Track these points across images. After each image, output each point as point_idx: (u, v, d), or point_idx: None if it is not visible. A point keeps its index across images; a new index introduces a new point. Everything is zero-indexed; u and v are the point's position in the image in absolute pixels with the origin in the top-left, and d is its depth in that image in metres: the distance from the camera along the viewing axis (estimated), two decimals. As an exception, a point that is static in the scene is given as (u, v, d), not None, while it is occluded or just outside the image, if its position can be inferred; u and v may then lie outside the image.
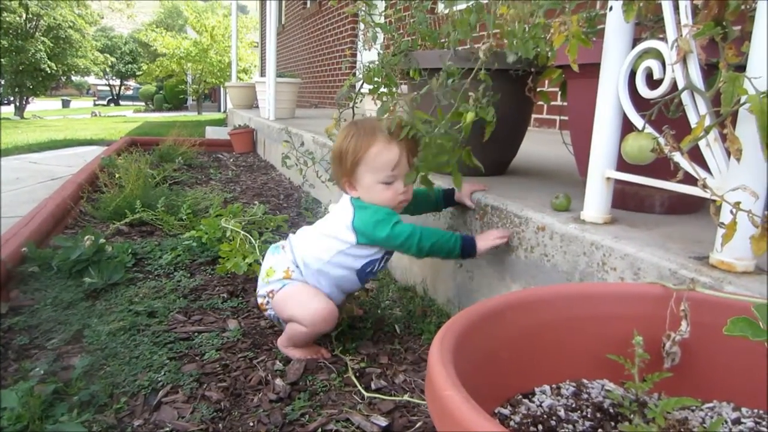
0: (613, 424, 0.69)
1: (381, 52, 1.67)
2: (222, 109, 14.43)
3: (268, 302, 1.38)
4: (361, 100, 1.75)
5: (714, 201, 0.84)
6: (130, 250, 2.03)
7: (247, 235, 2.00)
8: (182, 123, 8.75)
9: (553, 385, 0.78)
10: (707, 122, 0.86)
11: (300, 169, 2.10)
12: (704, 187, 0.86)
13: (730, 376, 0.75)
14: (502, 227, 1.34)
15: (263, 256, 1.50)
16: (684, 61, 0.92)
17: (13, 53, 15.44)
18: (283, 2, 12.15)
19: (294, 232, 1.47)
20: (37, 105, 22.01)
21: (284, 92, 5.11)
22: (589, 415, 0.71)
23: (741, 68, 0.83)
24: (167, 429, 1.06)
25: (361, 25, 1.90)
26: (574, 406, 0.73)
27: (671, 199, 1.25)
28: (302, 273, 1.35)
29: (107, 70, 26.67)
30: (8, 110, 17.68)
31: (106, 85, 33.98)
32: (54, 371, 1.25)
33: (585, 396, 0.75)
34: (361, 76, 1.63)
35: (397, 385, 1.23)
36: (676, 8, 0.93)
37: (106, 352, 1.35)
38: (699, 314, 0.73)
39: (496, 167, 1.80)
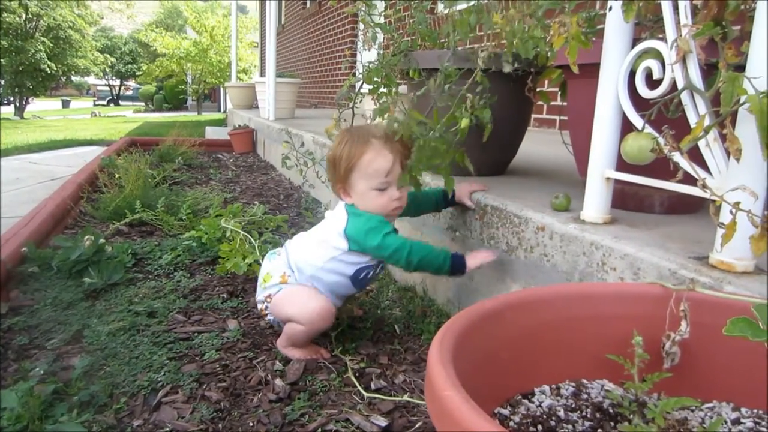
0: (612, 424, 0.69)
1: (381, 52, 1.68)
2: (222, 110, 14.43)
3: (266, 306, 1.40)
4: (360, 101, 1.75)
5: (713, 201, 0.84)
6: (129, 251, 2.03)
7: (247, 235, 2.00)
8: (182, 123, 8.75)
9: (553, 386, 0.77)
10: (707, 122, 0.86)
11: (300, 169, 2.10)
12: (704, 187, 0.86)
13: (729, 376, 0.75)
14: (502, 227, 1.34)
15: (263, 257, 1.50)
16: (683, 61, 0.92)
17: (13, 53, 15.44)
18: (283, 2, 12.15)
19: (292, 235, 1.47)
20: (36, 105, 22.01)
21: (284, 92, 5.11)
22: (588, 416, 0.71)
23: (740, 68, 0.83)
24: (167, 429, 1.06)
25: (361, 26, 1.90)
26: (573, 406, 0.73)
27: (671, 199, 1.25)
28: (297, 279, 1.36)
29: (107, 70, 26.66)
30: (8, 110, 17.68)
31: (105, 85, 33.97)
32: (54, 371, 1.25)
33: (584, 396, 0.75)
34: (360, 76, 1.63)
35: (396, 385, 1.23)
36: (676, 8, 0.93)
37: (106, 352, 1.35)
38: (699, 314, 0.73)
39: (495, 167, 1.80)
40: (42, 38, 16.20)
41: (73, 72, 19.44)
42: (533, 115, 4.08)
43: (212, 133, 6.97)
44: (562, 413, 0.71)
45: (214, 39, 14.16)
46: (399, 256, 1.26)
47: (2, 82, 16.31)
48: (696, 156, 0.89)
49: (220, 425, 1.08)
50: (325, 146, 2.94)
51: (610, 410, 0.72)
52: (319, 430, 1.06)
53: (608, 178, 1.12)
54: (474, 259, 1.28)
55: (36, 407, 1.05)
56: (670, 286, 0.77)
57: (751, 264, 0.86)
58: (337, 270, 1.33)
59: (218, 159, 5.10)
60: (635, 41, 1.05)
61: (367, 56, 1.85)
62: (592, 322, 0.79)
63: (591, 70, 1.14)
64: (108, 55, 24.30)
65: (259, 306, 1.43)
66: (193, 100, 18.62)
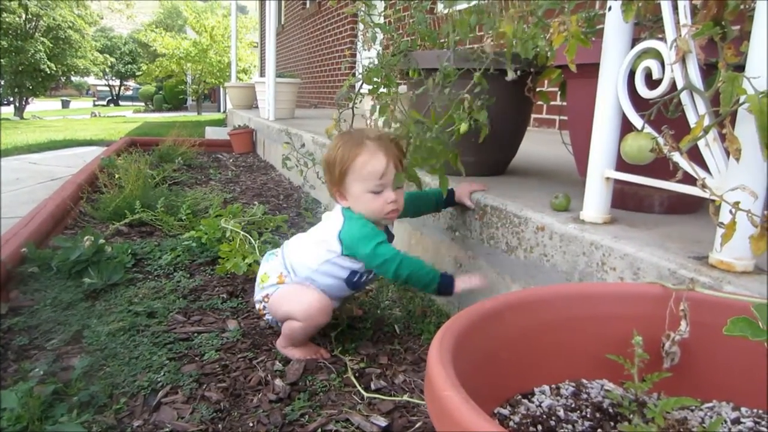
0: (612, 424, 0.69)
1: (380, 52, 1.67)
2: (222, 110, 14.43)
3: (264, 306, 1.40)
4: (360, 101, 1.75)
5: (713, 201, 0.84)
6: (129, 251, 2.03)
7: (247, 235, 2.00)
8: (182, 123, 8.75)
9: (553, 386, 0.77)
10: (706, 122, 0.86)
11: (300, 170, 2.10)
12: (703, 186, 0.86)
13: (729, 375, 0.75)
14: (502, 227, 1.34)
15: (263, 257, 1.50)
16: (683, 60, 0.92)
17: (13, 54, 15.44)
18: (283, 2, 12.15)
19: (292, 236, 1.48)
20: (36, 105, 22.01)
21: (284, 92, 5.11)
22: (588, 415, 0.71)
23: (740, 68, 0.84)
24: (167, 429, 1.06)
25: (361, 26, 1.90)
26: (573, 406, 0.73)
27: (670, 199, 1.25)
28: (293, 280, 1.36)
29: (107, 70, 26.64)
30: (8, 111, 17.68)
31: (105, 85, 33.96)
32: (53, 372, 1.25)
33: (584, 396, 0.75)
34: (360, 76, 1.63)
35: (396, 385, 1.23)
36: (675, 8, 0.93)
37: (106, 352, 1.35)
38: (698, 314, 0.73)
39: (495, 167, 1.80)
40: (42, 38, 16.19)
41: (72, 72, 19.44)
42: (533, 115, 4.08)
43: (212, 133, 6.97)
44: (561, 413, 0.71)
45: (214, 39, 14.16)
46: (388, 267, 1.25)
47: (2, 83, 16.30)
48: (696, 156, 0.89)
49: (219, 425, 1.08)
50: (324, 146, 2.94)
51: (610, 410, 0.72)
52: (319, 430, 1.06)
53: (608, 178, 1.12)
54: (463, 282, 1.26)
55: (36, 408, 1.05)
56: (669, 286, 0.77)
57: (751, 264, 0.86)
58: (331, 273, 1.33)
59: (218, 159, 5.10)
60: (635, 41, 1.05)
61: (367, 56, 1.85)
62: (592, 322, 0.79)
63: (590, 70, 1.14)
64: (108, 56, 24.30)
65: (257, 306, 1.44)
66: (192, 100, 18.61)
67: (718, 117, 0.83)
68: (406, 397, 1.17)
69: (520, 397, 0.75)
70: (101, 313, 1.58)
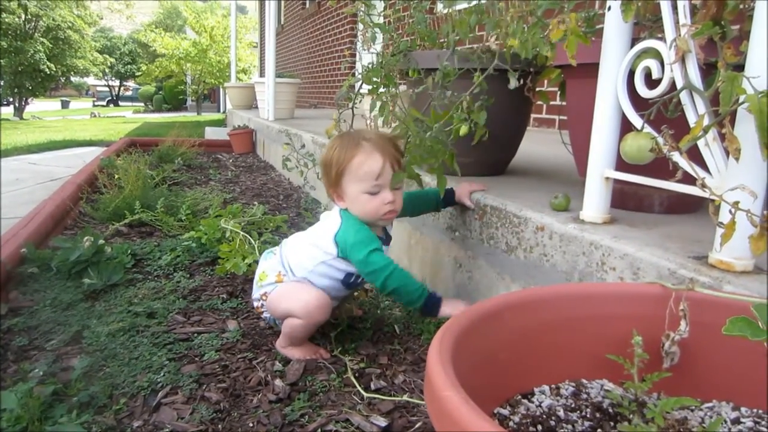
0: (612, 424, 0.69)
1: (380, 52, 1.67)
2: (221, 110, 14.42)
3: (262, 305, 1.40)
4: (360, 101, 1.75)
5: (713, 200, 0.84)
6: (129, 251, 2.03)
7: (247, 235, 2.00)
8: (181, 123, 8.75)
9: (553, 386, 0.77)
10: (706, 122, 0.86)
11: (301, 171, 2.10)
12: (703, 186, 0.86)
13: (729, 375, 0.75)
14: (501, 227, 1.34)
15: (261, 256, 1.51)
16: (683, 60, 0.92)
17: (12, 54, 15.43)
18: (282, 2, 12.15)
19: (289, 235, 1.48)
20: (36, 106, 22.00)
21: (283, 92, 5.11)
22: (588, 415, 0.71)
23: (739, 68, 0.83)
24: (167, 430, 1.06)
25: (360, 26, 1.90)
26: (573, 406, 0.73)
27: (670, 198, 1.25)
28: (290, 279, 1.36)
29: (106, 70, 26.64)
30: (7, 111, 17.68)
31: (105, 85, 33.95)
32: (53, 372, 1.25)
33: (584, 396, 0.75)
34: (360, 76, 1.63)
35: (396, 385, 1.23)
36: (675, 8, 0.93)
37: (106, 353, 1.35)
38: (698, 314, 0.73)
39: (495, 167, 1.80)
40: (41, 39, 16.19)
41: (72, 72, 19.44)
42: (533, 115, 4.08)
43: (212, 133, 6.97)
44: (561, 413, 0.71)
45: (214, 39, 14.16)
46: (377, 276, 1.25)
47: (2, 83, 16.30)
48: (695, 156, 0.89)
49: (219, 426, 1.08)
50: (324, 146, 2.94)
51: (610, 410, 0.72)
52: (319, 430, 1.06)
53: (607, 178, 1.12)
54: (449, 307, 1.25)
55: (35, 408, 1.05)
56: (669, 286, 0.77)
57: (751, 263, 0.86)
58: (326, 274, 1.33)
59: (218, 159, 5.10)
60: (634, 41, 1.05)
61: (367, 56, 1.85)
62: (592, 322, 0.79)
63: (590, 70, 1.14)
64: (107, 56, 24.31)
65: (255, 304, 1.44)
66: (192, 100, 18.61)
67: (718, 117, 0.83)
68: (406, 397, 1.17)
69: (519, 397, 0.75)
70: (101, 314, 1.58)
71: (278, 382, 1.23)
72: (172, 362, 1.31)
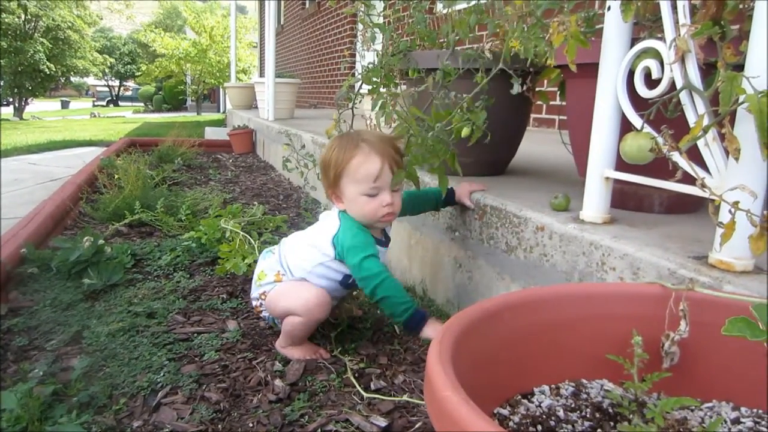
0: (612, 424, 0.69)
1: (380, 52, 1.68)
2: (221, 110, 14.43)
3: (261, 304, 1.41)
4: (360, 101, 1.75)
5: (713, 200, 0.84)
6: (129, 251, 2.03)
7: (247, 235, 2.00)
8: (181, 124, 8.76)
9: (553, 386, 0.77)
10: (705, 122, 0.86)
11: (301, 171, 2.10)
12: (703, 186, 0.86)
13: (729, 375, 0.75)
14: (501, 227, 1.34)
15: (260, 255, 1.51)
16: (682, 60, 0.92)
17: (12, 54, 15.43)
18: (282, 3, 12.15)
19: (289, 235, 1.48)
20: (36, 106, 22.00)
21: (283, 93, 5.11)
22: (588, 415, 0.71)
23: (739, 67, 0.83)
24: (166, 430, 1.06)
25: (360, 26, 1.90)
26: (573, 406, 0.73)
27: (670, 198, 1.25)
28: (289, 279, 1.36)
29: (106, 71, 26.64)
30: (7, 111, 17.68)
31: (105, 86, 33.96)
32: (53, 372, 1.24)
33: (584, 396, 0.75)
34: (360, 76, 1.63)
35: (396, 385, 1.23)
36: (675, 8, 0.93)
37: (106, 353, 1.34)
38: (698, 314, 0.73)
39: (495, 167, 1.80)
40: (41, 39, 16.19)
41: (72, 73, 19.43)
42: (533, 115, 4.08)
43: (211, 133, 6.97)
44: (561, 413, 0.71)
45: (213, 39, 14.16)
46: (368, 283, 1.25)
47: (2, 83, 16.30)
48: (695, 155, 0.89)
49: (219, 426, 1.08)
50: (324, 147, 2.94)
51: (610, 410, 0.72)
52: (319, 430, 1.06)
53: (607, 178, 1.12)
54: (432, 329, 1.23)
55: (35, 408, 1.05)
56: (669, 286, 0.77)
57: (750, 263, 0.86)
58: (324, 275, 1.34)
59: (217, 159, 5.10)
60: (634, 41, 1.05)
61: (367, 56, 1.85)
62: (592, 322, 0.79)
63: (590, 70, 1.14)
64: (107, 56, 24.30)
65: (254, 303, 1.44)
66: (192, 100, 18.60)
67: (718, 116, 0.83)
68: (405, 398, 1.17)
69: (519, 397, 0.75)
70: (101, 314, 1.58)
71: (278, 382, 1.23)
72: (171, 362, 1.31)
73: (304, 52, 10.43)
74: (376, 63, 1.62)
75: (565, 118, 1.46)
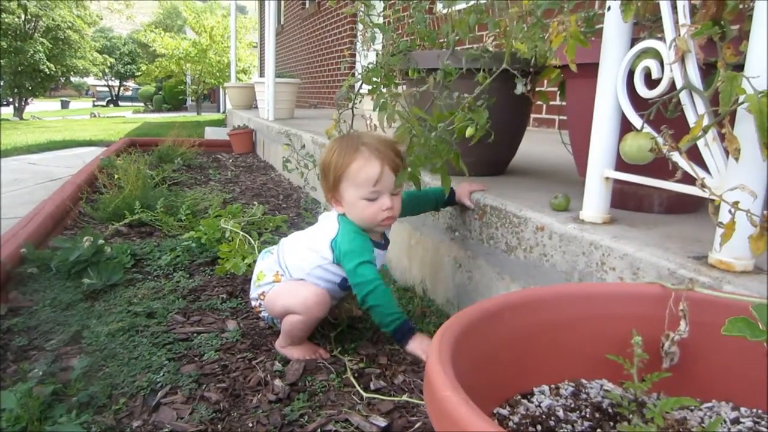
0: (611, 424, 0.69)
1: (380, 52, 1.68)
2: (221, 110, 14.43)
3: (260, 304, 1.41)
4: (360, 101, 1.75)
5: (713, 200, 0.84)
6: (129, 251, 2.03)
7: (247, 235, 2.00)
8: (181, 124, 8.76)
9: (552, 386, 0.77)
10: (705, 122, 0.86)
11: (301, 172, 2.10)
12: (703, 186, 0.86)
13: (728, 375, 0.75)
14: (501, 227, 1.34)
15: (259, 255, 1.51)
16: (682, 60, 0.92)
17: (12, 54, 15.43)
18: (282, 3, 12.15)
19: (288, 235, 1.48)
20: (36, 106, 22.00)
21: (283, 93, 5.11)
22: (587, 415, 0.71)
23: (739, 67, 0.83)
24: (166, 430, 1.06)
25: (360, 26, 1.90)
26: (572, 406, 0.73)
27: (670, 198, 1.25)
28: (287, 279, 1.37)
29: (106, 70, 26.64)
30: (7, 111, 17.68)
31: (105, 86, 33.96)
32: (53, 372, 1.24)
33: (584, 396, 0.75)
34: (360, 76, 1.63)
35: (396, 385, 1.23)
36: (674, 8, 0.93)
37: (105, 353, 1.34)
38: (698, 314, 0.73)
39: (495, 167, 1.80)
40: (41, 39, 16.18)
41: (72, 73, 19.43)
42: (533, 115, 4.08)
43: (211, 133, 6.97)
44: (561, 413, 0.71)
45: (214, 39, 14.16)
46: (360, 289, 1.26)
47: (2, 83, 16.29)
48: (695, 155, 0.89)
49: (219, 426, 1.08)
50: (324, 146, 2.94)
51: (610, 410, 0.72)
52: (319, 430, 1.06)
53: (607, 178, 1.12)
54: (417, 344, 1.24)
55: (35, 408, 1.05)
56: (669, 286, 0.77)
57: (750, 263, 0.86)
58: (323, 277, 1.34)
59: (217, 159, 5.10)
60: (634, 41, 1.05)
61: (368, 56, 1.85)
62: (592, 322, 0.79)
63: (590, 70, 1.14)
64: (107, 56, 24.30)
65: (253, 303, 1.44)
66: (192, 100, 18.60)
67: (718, 116, 0.83)
68: (405, 398, 1.17)
69: (519, 397, 0.75)
70: (100, 314, 1.58)
71: (278, 382, 1.23)
72: (171, 362, 1.31)
73: (304, 52, 10.43)
74: (376, 63, 1.62)
75: (565, 118, 1.46)
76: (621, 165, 1.08)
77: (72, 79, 23.96)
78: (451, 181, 1.36)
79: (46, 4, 16.08)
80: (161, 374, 1.25)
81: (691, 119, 0.91)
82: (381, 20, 1.73)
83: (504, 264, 1.34)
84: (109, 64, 25.22)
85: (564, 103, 1.44)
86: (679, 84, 0.92)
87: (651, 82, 0.98)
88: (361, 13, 1.71)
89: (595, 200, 1.14)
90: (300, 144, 3.38)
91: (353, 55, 7.61)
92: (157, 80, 19.80)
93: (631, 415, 0.69)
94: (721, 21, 0.97)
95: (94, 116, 17.93)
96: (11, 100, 17.19)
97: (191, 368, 1.28)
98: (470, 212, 1.48)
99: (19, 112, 16.53)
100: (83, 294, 1.71)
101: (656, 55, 0.97)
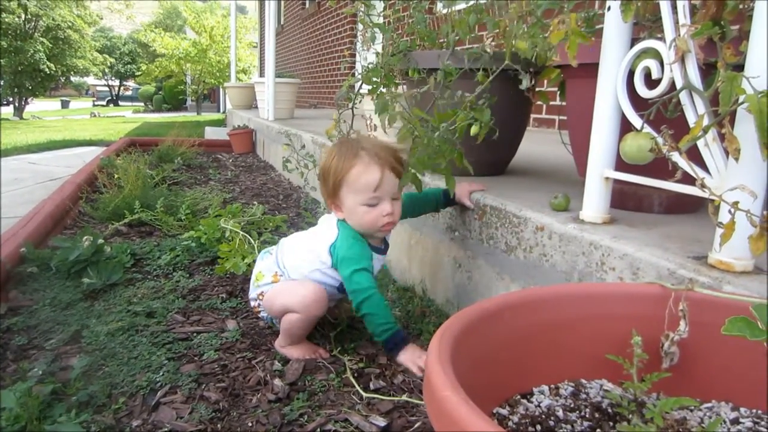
0: (611, 424, 0.69)
1: (380, 52, 1.67)
2: (221, 110, 14.42)
3: (259, 304, 1.41)
4: (360, 101, 1.75)
5: (712, 201, 0.84)
6: (128, 251, 2.03)
7: (246, 235, 2.00)
8: (181, 123, 8.76)
9: (552, 386, 0.77)
10: (705, 122, 0.86)
11: (301, 172, 2.10)
12: (702, 186, 0.86)
13: (728, 375, 0.75)
14: (501, 227, 1.34)
15: (258, 255, 1.51)
16: (682, 60, 0.92)
17: (12, 54, 15.43)
18: (282, 3, 12.15)
19: (288, 235, 1.48)
20: (36, 105, 22.01)
21: (283, 92, 5.11)
22: (587, 415, 0.71)
23: (739, 68, 0.83)
24: (166, 429, 1.06)
25: (360, 26, 1.90)
26: (572, 406, 0.73)
27: (670, 198, 1.25)
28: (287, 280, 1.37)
29: (106, 70, 26.63)
30: (7, 111, 17.68)
31: (105, 85, 33.95)
32: (52, 371, 1.24)
33: (583, 396, 0.75)
34: (360, 76, 1.63)
35: (395, 385, 1.23)
36: (674, 8, 0.93)
37: (105, 352, 1.34)
38: (698, 314, 0.73)
39: (495, 167, 1.80)
40: (41, 38, 16.18)
41: (72, 72, 19.43)
42: (533, 115, 4.08)
43: (211, 133, 6.97)
44: (560, 413, 0.71)
45: (214, 39, 14.16)
46: (355, 296, 1.27)
47: (1, 83, 16.29)
48: (695, 156, 0.89)
49: (218, 425, 1.08)
50: (324, 146, 2.94)
51: (609, 410, 0.72)
52: (318, 430, 1.06)
53: (607, 178, 1.12)
54: (408, 355, 1.25)
55: (34, 407, 1.05)
56: (669, 286, 0.77)
57: (750, 264, 0.86)
58: (321, 281, 1.34)
59: (217, 159, 5.10)
60: (634, 41, 1.05)
61: (368, 56, 1.85)
62: (591, 322, 0.79)
63: (590, 70, 1.14)
64: (107, 56, 24.29)
65: (252, 303, 1.45)
66: (192, 100, 18.60)
67: (717, 117, 0.83)
68: (405, 397, 1.17)
69: (519, 397, 0.75)
70: (100, 313, 1.57)
71: (277, 381, 1.23)
72: (171, 362, 1.31)
73: (304, 52, 10.43)
74: (376, 63, 1.62)
75: (565, 118, 1.46)
76: (621, 165, 1.08)
77: (72, 78, 23.98)
78: (455, 182, 1.36)
79: (47, 3, 16.08)
80: (161, 374, 1.25)
81: (691, 119, 0.91)
82: (381, 20, 1.73)
83: (504, 264, 1.34)
84: (109, 64, 25.22)
85: (564, 103, 1.44)
86: (679, 84, 0.92)
87: (651, 82, 0.98)
88: (361, 13, 1.71)
89: (594, 200, 1.14)
90: (300, 144, 3.38)
91: (353, 55, 7.61)
92: (157, 80, 19.81)
93: (630, 415, 0.69)
94: (721, 21, 0.97)
95: (94, 116, 17.93)
96: (11, 99, 17.19)
97: (191, 368, 1.28)
98: (470, 212, 1.48)
99: (19, 111, 16.53)
100: (83, 293, 1.71)
101: (656, 55, 0.97)
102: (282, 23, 12.41)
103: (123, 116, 17.31)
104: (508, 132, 1.71)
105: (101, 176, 3.18)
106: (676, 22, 0.93)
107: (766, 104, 0.76)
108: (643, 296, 0.79)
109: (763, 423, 0.71)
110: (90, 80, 36.01)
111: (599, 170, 1.12)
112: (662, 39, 0.96)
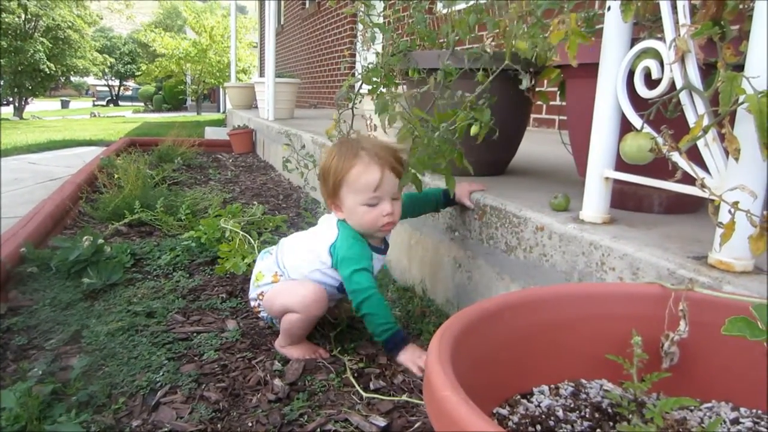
0: (611, 424, 0.69)
1: (380, 52, 1.67)
2: (221, 110, 14.42)
3: (259, 304, 1.41)
4: (360, 101, 1.75)
5: (712, 201, 0.84)
6: (128, 251, 2.03)
7: (246, 235, 2.00)
8: (181, 123, 8.76)
9: (552, 386, 0.77)
10: (705, 122, 0.86)
11: (301, 172, 2.10)
12: (702, 186, 0.86)
13: (728, 375, 0.75)
14: (501, 227, 1.34)
15: (258, 255, 1.51)
16: (682, 60, 0.92)
17: (12, 54, 15.42)
18: (282, 3, 12.15)
19: (288, 235, 1.48)
20: (36, 105, 22.01)
21: (283, 92, 5.11)
22: (587, 415, 0.71)
23: (739, 68, 0.83)
24: (166, 429, 1.06)
25: (360, 26, 1.90)
26: (572, 406, 0.73)
27: (670, 199, 1.25)
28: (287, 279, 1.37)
29: (106, 70, 26.63)
30: (7, 111, 17.68)
31: (105, 85, 33.94)
32: (52, 371, 1.24)
33: (583, 396, 0.75)
34: (360, 76, 1.63)
35: (395, 385, 1.23)
36: (674, 8, 0.93)
37: (105, 352, 1.34)
38: (698, 314, 0.73)
39: (495, 167, 1.80)
40: (41, 38, 16.18)
41: (72, 72, 19.43)
42: (533, 115, 4.08)
43: (211, 133, 6.97)
44: (560, 413, 0.71)
45: (214, 39, 14.16)
46: (355, 296, 1.27)
47: (1, 83, 16.29)
48: (695, 156, 0.89)
49: (218, 425, 1.08)
50: (324, 146, 2.94)
51: (609, 410, 0.72)
52: (318, 430, 1.06)
53: (607, 178, 1.12)
54: (408, 355, 1.25)
55: (34, 407, 1.05)
56: (669, 286, 0.77)
57: (750, 264, 0.86)
58: (321, 281, 1.34)
59: (217, 159, 5.10)
60: (634, 41, 1.05)
61: (369, 56, 1.85)
62: (591, 322, 0.79)
63: (590, 70, 1.14)
64: (107, 56, 24.29)
65: (252, 304, 1.45)
66: (192, 100, 18.60)
67: (717, 117, 0.83)
68: (405, 397, 1.17)
69: (519, 397, 0.75)
70: (100, 313, 1.57)
71: (277, 381, 1.23)
72: (171, 362, 1.31)
73: (304, 52, 10.43)
74: (376, 63, 1.62)
75: (565, 118, 1.46)
76: (621, 165, 1.08)
77: (72, 78, 23.97)
78: (455, 182, 1.36)
79: (46, 3, 16.07)
80: (161, 374, 1.25)
81: (691, 119, 0.91)
82: (381, 20, 1.73)
83: (504, 264, 1.34)
84: (109, 64, 25.21)
85: (564, 103, 1.44)
86: (679, 84, 0.92)
87: (651, 82, 0.98)
88: (361, 13, 1.71)
89: (594, 200, 1.14)
90: (300, 144, 3.38)
91: (353, 55, 7.61)
92: (157, 80, 19.81)
93: (630, 415, 0.69)
94: (721, 21, 0.97)
95: (94, 116, 17.93)
96: (11, 99, 17.18)
97: (191, 368, 1.28)
98: (470, 212, 1.48)
99: (19, 111, 16.53)
100: (83, 293, 1.71)
101: (656, 55, 0.97)
102: (282, 23, 12.41)
103: (123, 116, 17.31)
104: (508, 132, 1.71)
105: (101, 176, 3.18)
106: (676, 22, 0.93)
107: (766, 104, 0.76)
108: (643, 296, 0.79)
109: (763, 423, 0.71)
110: (90, 80, 36.01)
111: (599, 170, 1.12)
112: (662, 39, 0.96)
